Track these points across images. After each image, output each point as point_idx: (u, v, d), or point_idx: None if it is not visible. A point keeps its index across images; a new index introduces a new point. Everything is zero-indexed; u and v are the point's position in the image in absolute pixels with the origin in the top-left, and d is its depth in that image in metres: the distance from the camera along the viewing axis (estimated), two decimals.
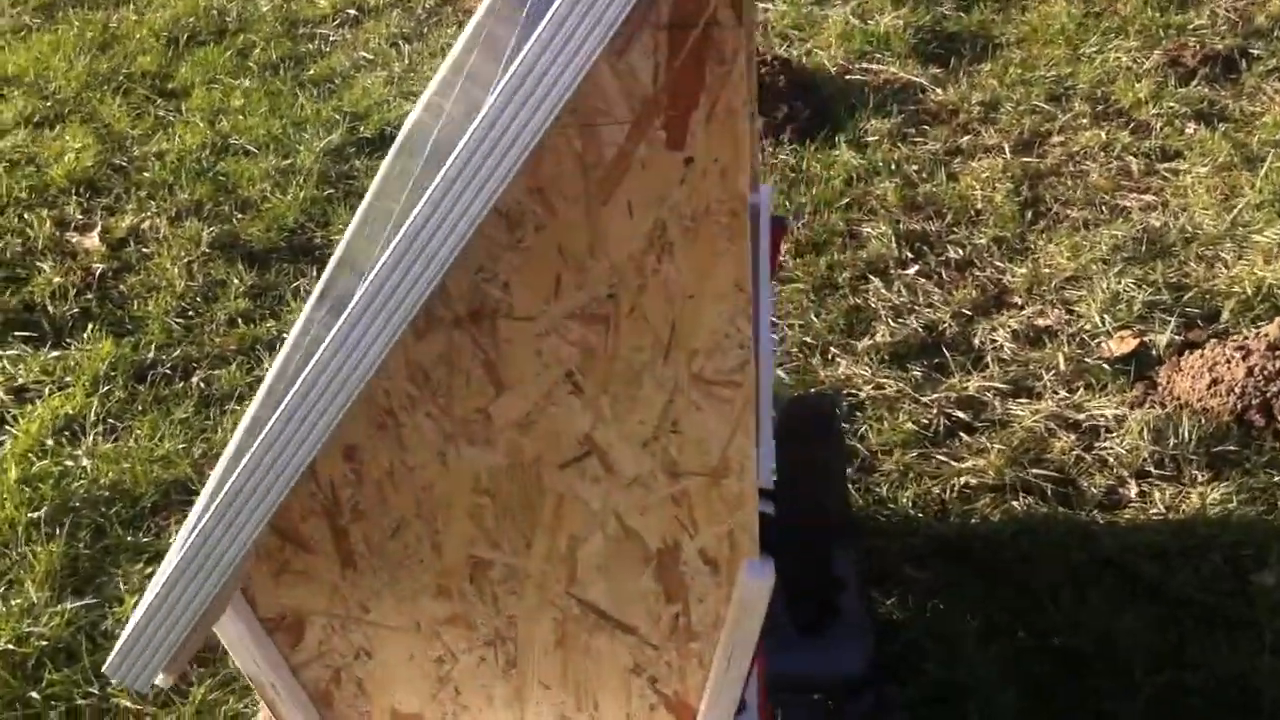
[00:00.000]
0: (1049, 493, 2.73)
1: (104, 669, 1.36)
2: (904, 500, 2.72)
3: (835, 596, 1.58)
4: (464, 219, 1.18)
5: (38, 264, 3.67)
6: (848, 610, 2.18)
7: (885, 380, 3.09)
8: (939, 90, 4.42)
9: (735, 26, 1.22)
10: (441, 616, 1.58)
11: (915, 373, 3.13)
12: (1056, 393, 3.04)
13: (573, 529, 1.51)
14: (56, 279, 3.57)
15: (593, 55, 1.10)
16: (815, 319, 3.33)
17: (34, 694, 2.32)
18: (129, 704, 2.31)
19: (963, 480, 2.76)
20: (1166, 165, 3.94)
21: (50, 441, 2.95)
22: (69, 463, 2.88)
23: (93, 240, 3.76)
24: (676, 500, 1.48)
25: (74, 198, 4.00)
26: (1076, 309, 3.32)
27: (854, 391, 3.06)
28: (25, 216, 3.88)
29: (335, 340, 1.23)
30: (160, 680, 1.39)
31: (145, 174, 4.12)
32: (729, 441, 1.43)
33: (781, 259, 3.57)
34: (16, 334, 3.38)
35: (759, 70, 4.46)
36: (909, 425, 2.93)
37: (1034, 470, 2.78)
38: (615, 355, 1.39)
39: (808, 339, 3.26)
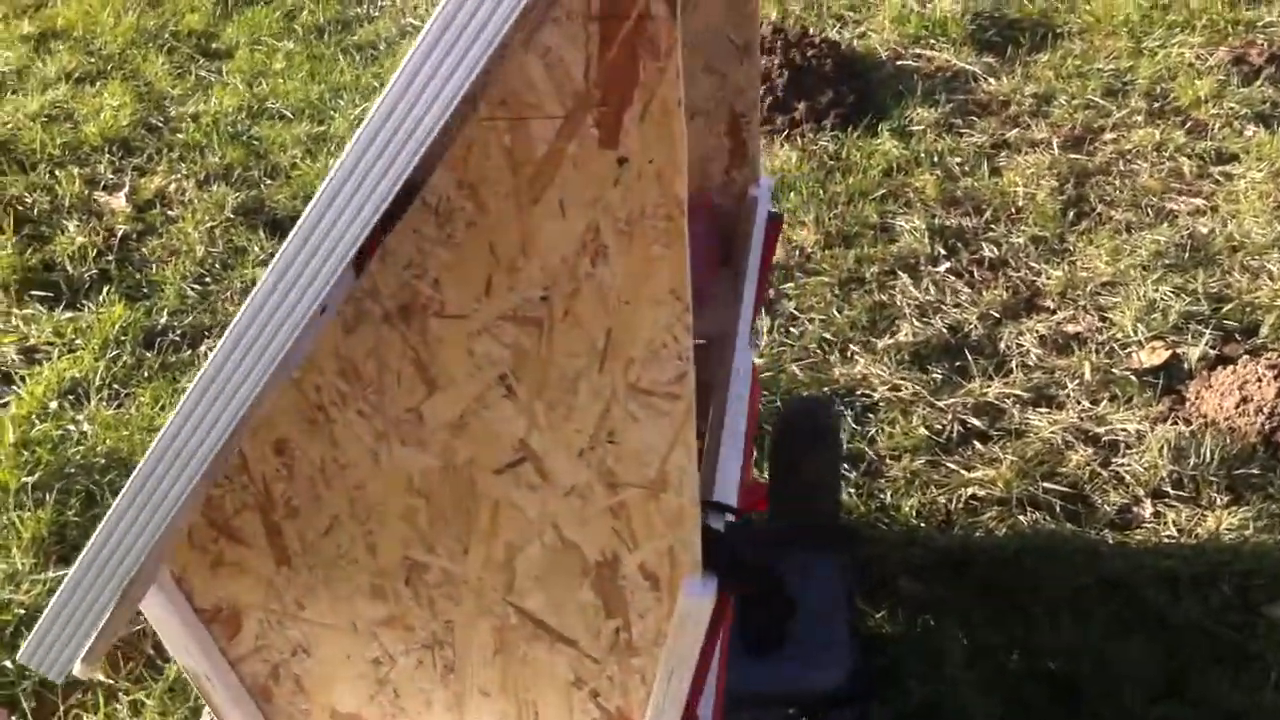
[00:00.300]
0: (1059, 509, 2.63)
1: (18, 656, 1.32)
2: (908, 509, 2.63)
3: (786, 621, 1.50)
4: (369, 202, 1.10)
5: (63, 222, 3.66)
6: (832, 622, 2.11)
7: (902, 381, 2.99)
8: (991, 80, 4.30)
9: (669, 19, 1.15)
10: (378, 618, 1.54)
11: (935, 375, 3.03)
12: (1079, 403, 2.93)
13: (509, 536, 1.45)
14: (79, 239, 3.57)
15: (501, 30, 1.01)
16: (837, 314, 3.24)
17: (8, 663, 2.30)
18: (103, 678, 2.29)
19: (970, 491, 2.66)
20: (1220, 168, 3.79)
21: (54, 405, 2.94)
22: (70, 427, 2.87)
23: (119, 201, 3.75)
24: (615, 513, 1.41)
25: (106, 156, 3.99)
26: (1110, 316, 3.21)
27: (868, 392, 2.97)
28: (56, 174, 3.87)
29: (243, 321, 1.17)
30: (78, 669, 1.35)
31: (179, 135, 4.11)
32: (667, 455, 1.36)
33: (808, 251, 3.48)
34: (34, 293, 3.38)
35: (806, 52, 4.36)
36: (921, 430, 2.84)
37: (1046, 484, 2.68)
38: (550, 360, 1.33)
39: (827, 335, 3.17)
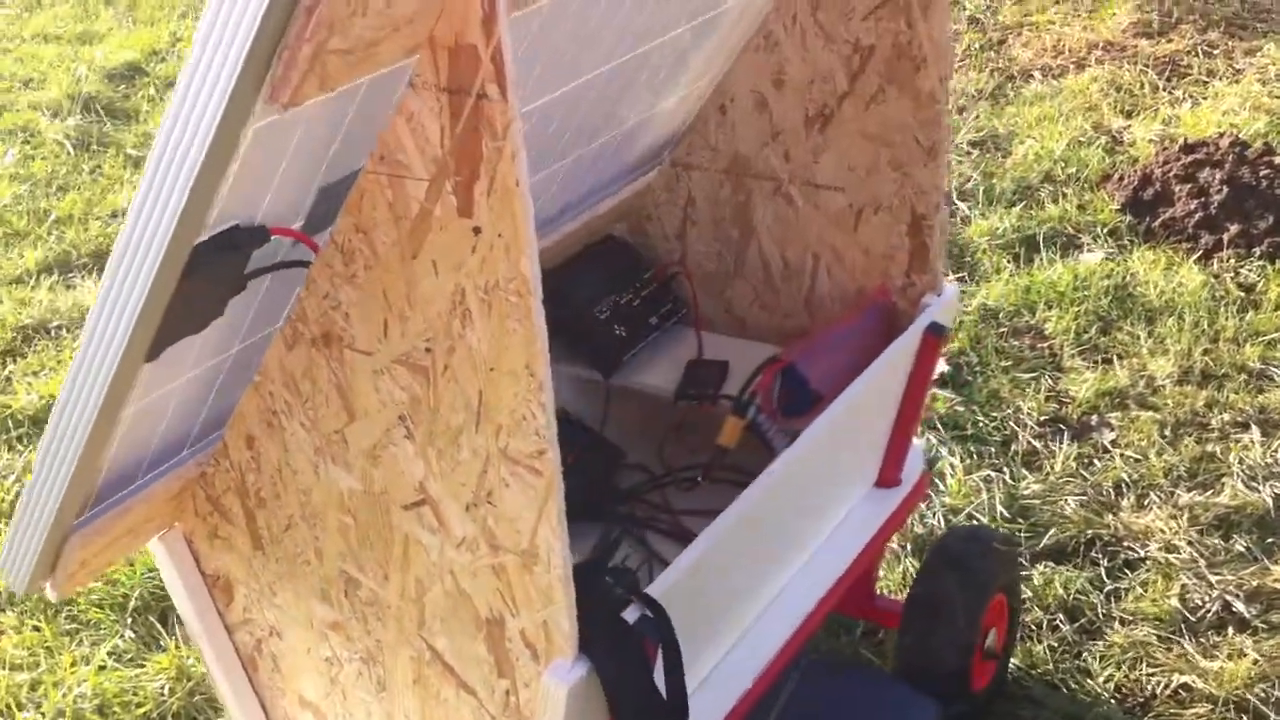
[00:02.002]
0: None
1: None
2: (1104, 679, 2.34)
3: None
4: (164, 221, 1.17)
5: None
6: None
7: (1185, 545, 2.66)
8: None
9: (502, 100, 1.17)
10: (327, 620, 1.64)
11: (1236, 547, 2.66)
12: None
13: (418, 573, 1.51)
14: None
15: (237, 67, 1.07)
16: (1155, 457, 2.92)
17: None
18: None
19: (1187, 679, 2.33)
20: None
21: None
22: None
23: None
24: (497, 573, 1.43)
25: None
26: None
27: (1137, 547, 2.67)
28: None
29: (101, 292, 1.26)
30: (50, 593, 1.56)
31: None
32: (536, 527, 1.36)
33: (1158, 384, 3.16)
34: None
35: (1259, 171, 3.93)
36: (1173, 602, 2.51)
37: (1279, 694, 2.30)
38: (437, 411, 1.38)
39: (1132, 476, 2.86)
